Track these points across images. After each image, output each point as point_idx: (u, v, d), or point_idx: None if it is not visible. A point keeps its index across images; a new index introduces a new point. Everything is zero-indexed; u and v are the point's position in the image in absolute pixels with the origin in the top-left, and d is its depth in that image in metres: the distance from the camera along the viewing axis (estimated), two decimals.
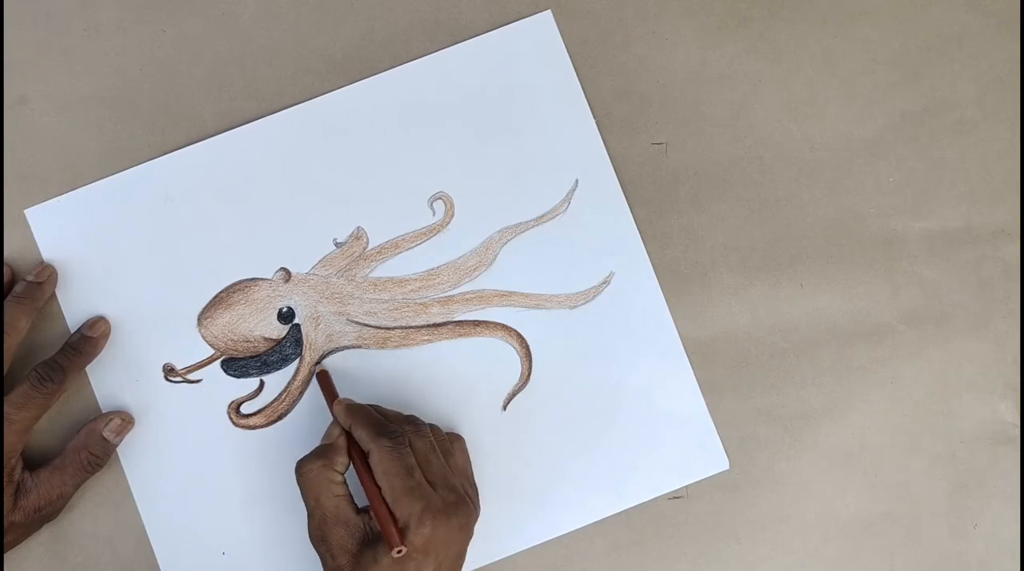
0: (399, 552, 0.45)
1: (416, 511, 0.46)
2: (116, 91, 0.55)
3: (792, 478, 0.55)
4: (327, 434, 0.50)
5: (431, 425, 0.51)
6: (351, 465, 0.49)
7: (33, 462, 0.52)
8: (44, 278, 0.53)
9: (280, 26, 0.56)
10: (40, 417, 0.51)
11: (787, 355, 0.55)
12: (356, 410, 0.50)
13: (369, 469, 0.48)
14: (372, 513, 0.47)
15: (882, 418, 0.55)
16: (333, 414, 0.51)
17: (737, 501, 0.55)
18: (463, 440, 0.53)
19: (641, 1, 0.56)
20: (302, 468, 0.48)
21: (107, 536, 0.54)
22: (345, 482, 0.49)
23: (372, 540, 0.47)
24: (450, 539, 0.47)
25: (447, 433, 0.52)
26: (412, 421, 0.50)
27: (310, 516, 0.48)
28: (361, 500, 0.48)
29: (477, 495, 0.51)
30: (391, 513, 0.46)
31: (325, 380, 0.53)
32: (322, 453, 0.49)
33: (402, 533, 0.46)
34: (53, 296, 0.54)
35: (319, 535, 0.48)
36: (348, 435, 0.50)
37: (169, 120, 0.55)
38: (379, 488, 0.47)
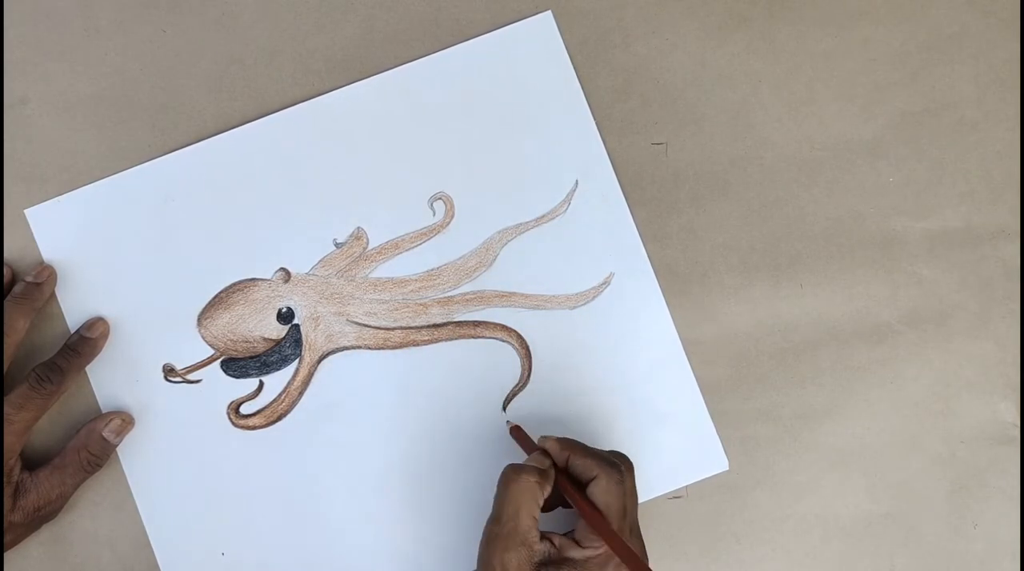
0: None
1: (616, 558, 0.46)
2: (116, 91, 0.55)
3: (792, 478, 0.55)
4: (535, 460, 0.49)
5: None
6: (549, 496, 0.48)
7: (32, 462, 0.52)
8: (43, 279, 0.53)
9: (280, 26, 0.56)
10: (39, 418, 0.51)
11: (787, 355, 0.55)
12: (571, 442, 0.49)
13: (587, 498, 0.47)
14: (604, 540, 0.46)
15: (882, 418, 0.55)
16: (543, 453, 0.49)
17: (737, 501, 0.55)
18: None
19: (641, 1, 0.56)
20: (517, 476, 0.47)
21: (107, 536, 0.54)
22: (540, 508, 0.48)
23: (544, 566, 0.46)
24: None
25: None
26: (624, 459, 0.49)
27: (498, 522, 0.47)
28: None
29: None
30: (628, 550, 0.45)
31: (521, 434, 0.52)
32: (539, 472, 0.48)
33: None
34: (53, 296, 0.54)
35: (500, 546, 0.46)
36: (557, 471, 0.49)
37: (169, 120, 0.55)
38: (603, 527, 0.46)
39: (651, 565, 0.54)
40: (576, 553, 0.47)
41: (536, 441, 0.51)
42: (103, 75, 0.56)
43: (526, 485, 0.47)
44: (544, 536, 0.47)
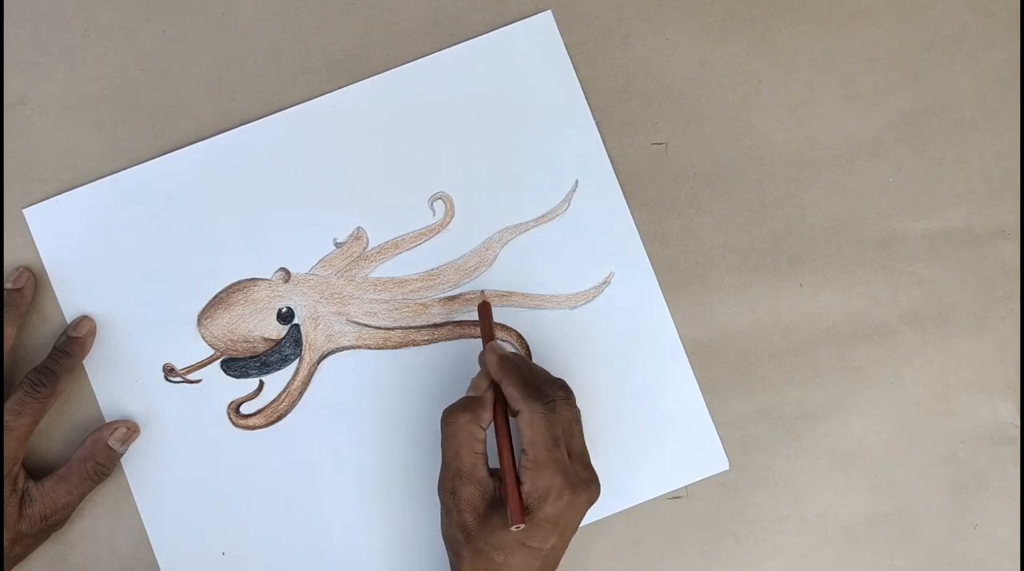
0: (517, 528, 0.45)
1: (557, 484, 0.46)
2: (116, 91, 0.55)
3: (792, 478, 0.55)
4: (474, 385, 0.50)
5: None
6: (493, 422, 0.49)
7: (38, 470, 0.52)
8: (22, 284, 0.53)
9: (280, 26, 0.56)
10: (38, 423, 0.51)
11: (787, 355, 0.55)
12: (509, 364, 0.49)
13: (509, 430, 0.48)
14: (501, 479, 0.47)
15: (882, 418, 0.55)
16: (483, 361, 0.50)
17: (737, 501, 0.55)
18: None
19: (641, 1, 0.56)
20: (449, 418, 0.48)
21: (107, 536, 0.54)
22: (485, 440, 0.48)
23: (502, 502, 0.47)
24: (577, 514, 0.47)
25: None
26: (563, 387, 0.49)
27: (445, 466, 0.48)
28: (494, 459, 0.48)
29: None
30: (519, 487, 0.46)
31: (486, 314, 0.52)
32: (470, 406, 0.48)
33: (525, 509, 0.46)
34: (53, 298, 0.54)
35: (450, 487, 0.47)
36: (495, 388, 0.49)
37: (169, 120, 0.55)
38: (514, 457, 0.47)
39: (650, 565, 0.54)
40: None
41: (487, 347, 0.50)
42: (103, 75, 0.56)
43: (456, 426, 0.48)
44: (495, 472, 0.48)
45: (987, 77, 0.57)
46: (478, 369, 0.54)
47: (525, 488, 0.46)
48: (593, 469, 0.49)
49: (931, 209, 0.56)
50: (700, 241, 0.56)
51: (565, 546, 0.48)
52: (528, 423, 0.47)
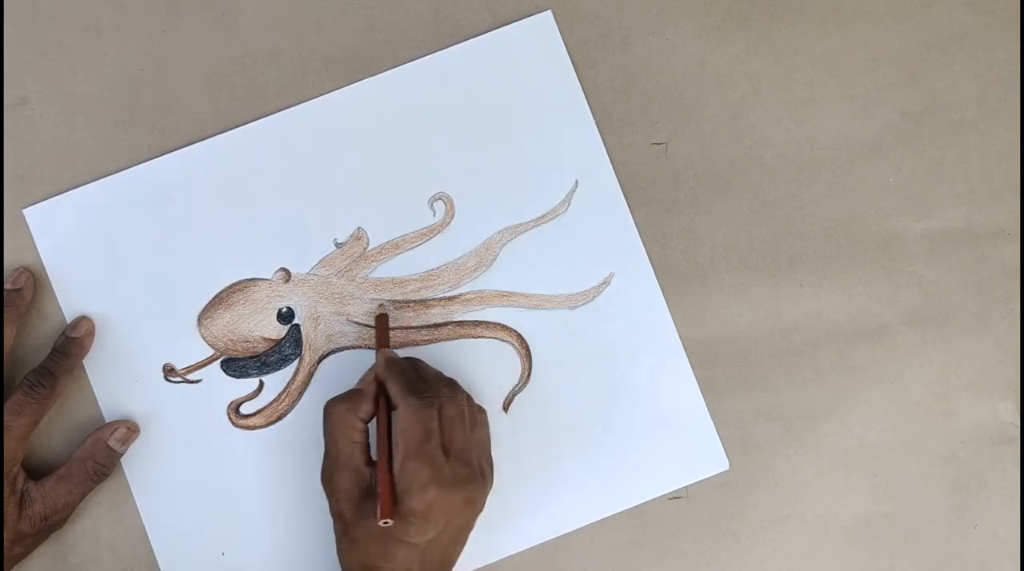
0: (384, 523, 0.45)
1: (421, 477, 0.46)
2: (116, 91, 0.55)
3: (792, 478, 0.55)
4: (361, 379, 0.50)
5: (466, 394, 0.51)
6: (375, 416, 0.49)
7: (38, 470, 0.52)
8: (21, 284, 0.53)
9: (280, 26, 0.56)
10: (38, 423, 0.51)
11: (787, 355, 0.55)
12: (395, 364, 0.50)
13: (389, 427, 0.48)
14: (376, 472, 0.47)
15: (882, 418, 0.55)
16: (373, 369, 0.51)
17: (737, 501, 0.55)
18: (486, 413, 0.52)
19: (641, 1, 0.56)
20: (328, 407, 0.49)
21: (107, 536, 0.54)
22: (366, 431, 0.49)
23: (376, 493, 0.47)
24: (454, 510, 0.47)
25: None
26: (450, 385, 0.50)
27: (324, 455, 0.49)
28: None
29: (492, 470, 0.50)
30: (392, 482, 0.46)
31: (383, 325, 0.53)
32: (350, 397, 0.49)
33: (395, 502, 0.46)
34: (53, 298, 0.54)
35: (328, 476, 0.48)
36: (381, 387, 0.50)
37: (169, 120, 0.55)
38: (390, 451, 0.47)
39: (650, 565, 0.54)
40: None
41: (379, 352, 0.51)
42: (103, 75, 0.56)
43: (336, 414, 0.48)
44: (375, 463, 0.48)
45: (987, 77, 0.57)
46: (479, 370, 0.55)
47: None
48: (476, 467, 0.48)
49: (931, 209, 0.56)
50: (700, 241, 0.56)
51: (452, 545, 0.48)
52: (402, 416, 0.47)
